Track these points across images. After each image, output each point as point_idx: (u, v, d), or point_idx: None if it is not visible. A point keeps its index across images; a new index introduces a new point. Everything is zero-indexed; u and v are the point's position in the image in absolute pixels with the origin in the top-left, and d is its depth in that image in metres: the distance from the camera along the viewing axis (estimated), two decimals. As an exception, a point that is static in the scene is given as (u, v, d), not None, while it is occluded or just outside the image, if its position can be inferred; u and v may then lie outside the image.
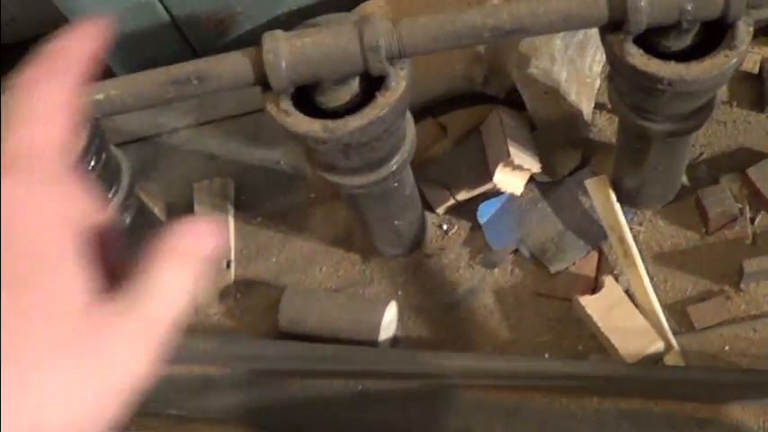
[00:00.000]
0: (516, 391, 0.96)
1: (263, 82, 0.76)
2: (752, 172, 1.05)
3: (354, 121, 0.75)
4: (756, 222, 1.05)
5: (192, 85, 0.77)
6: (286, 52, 0.74)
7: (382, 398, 0.99)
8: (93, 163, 0.85)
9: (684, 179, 1.06)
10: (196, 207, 1.16)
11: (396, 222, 1.00)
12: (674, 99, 0.80)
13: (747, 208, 1.05)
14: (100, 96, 0.78)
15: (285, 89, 0.76)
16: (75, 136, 0.60)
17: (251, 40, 1.29)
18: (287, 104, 0.77)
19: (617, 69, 0.81)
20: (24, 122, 0.60)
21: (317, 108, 0.79)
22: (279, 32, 0.75)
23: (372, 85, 0.78)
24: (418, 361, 0.99)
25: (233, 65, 0.76)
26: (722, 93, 1.09)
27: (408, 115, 0.85)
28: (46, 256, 0.51)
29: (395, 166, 0.87)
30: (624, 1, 0.72)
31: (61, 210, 0.52)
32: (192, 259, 0.52)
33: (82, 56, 0.56)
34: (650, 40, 0.76)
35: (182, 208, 1.18)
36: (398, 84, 0.76)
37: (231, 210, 1.16)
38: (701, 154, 1.09)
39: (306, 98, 0.79)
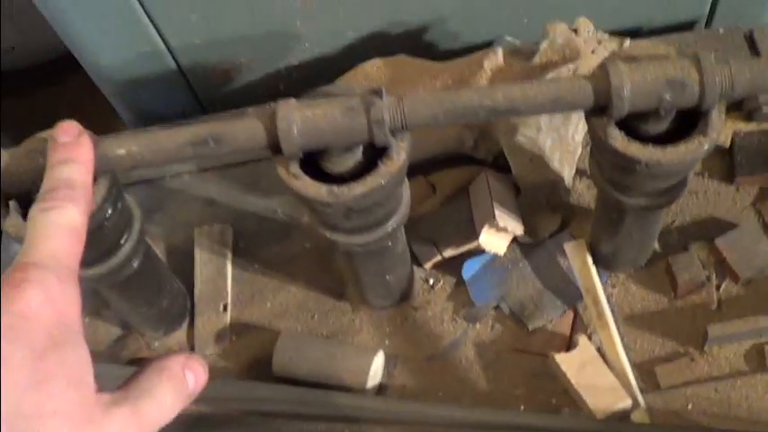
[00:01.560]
0: None
1: (274, 146, 0.82)
2: (719, 242, 1.11)
3: (358, 188, 0.81)
4: (722, 289, 1.09)
5: (209, 147, 0.83)
6: (298, 121, 0.79)
7: None
8: (110, 212, 0.89)
9: (656, 245, 1.11)
10: (196, 250, 1.20)
11: (387, 277, 1.05)
12: (650, 178, 0.86)
13: (714, 275, 1.10)
14: (122, 152, 0.83)
15: (295, 155, 0.82)
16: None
17: (251, 89, 1.36)
18: (296, 168, 0.83)
19: (599, 148, 0.87)
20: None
21: (321, 170, 0.85)
22: (293, 101, 0.81)
23: (375, 152, 0.84)
24: (403, 409, 1.03)
25: (248, 129, 0.81)
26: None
27: (405, 181, 0.91)
28: (69, 338, 0.60)
29: (390, 228, 0.92)
30: (608, 89, 0.78)
31: (76, 303, 0.62)
32: (186, 388, 0.64)
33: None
34: (630, 124, 0.82)
35: (181, 250, 1.22)
36: (399, 154, 0.82)
37: (229, 255, 1.20)
38: (673, 222, 1.14)
39: (310, 161, 0.85)
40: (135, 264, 1.00)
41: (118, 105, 1.44)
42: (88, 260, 0.96)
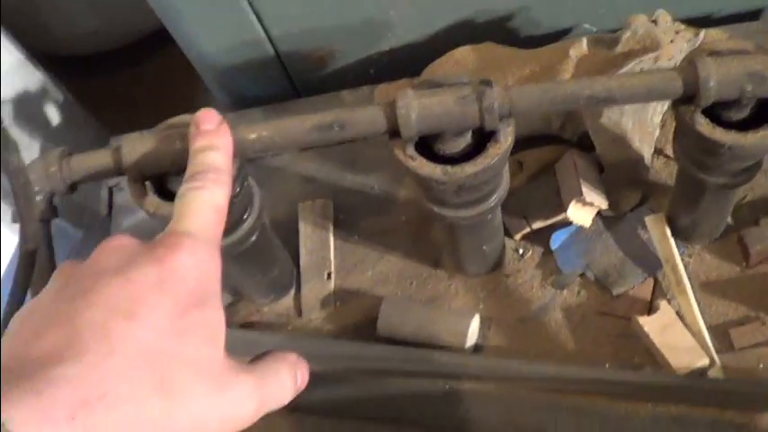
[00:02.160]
0: (583, 395, 1.09)
1: (393, 131, 0.91)
2: None
3: (469, 168, 0.91)
4: None
5: (334, 132, 0.92)
6: (416, 108, 0.89)
7: (467, 397, 1.11)
8: (238, 189, 0.99)
9: (729, 219, 1.19)
10: (300, 224, 1.30)
11: (483, 247, 1.14)
12: (731, 159, 0.95)
13: None
14: (253, 136, 0.93)
15: (412, 139, 0.91)
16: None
17: (344, 74, 1.45)
18: (411, 151, 0.92)
19: (684, 133, 0.96)
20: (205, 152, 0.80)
21: (433, 153, 0.94)
22: (410, 91, 0.91)
23: (482, 135, 0.93)
24: (500, 366, 1.12)
25: (370, 116, 0.91)
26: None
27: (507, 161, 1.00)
28: (210, 301, 0.70)
29: (493, 203, 1.01)
30: (696, 81, 0.87)
31: (217, 272, 0.72)
32: (297, 380, 0.72)
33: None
34: (714, 111, 0.92)
35: (285, 224, 1.31)
36: (506, 138, 0.92)
37: (331, 228, 1.30)
38: (745, 197, 1.22)
39: (422, 144, 0.94)
40: (254, 237, 1.09)
41: (216, 89, 1.53)
42: (217, 233, 1.06)
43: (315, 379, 1.15)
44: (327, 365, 1.16)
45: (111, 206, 1.45)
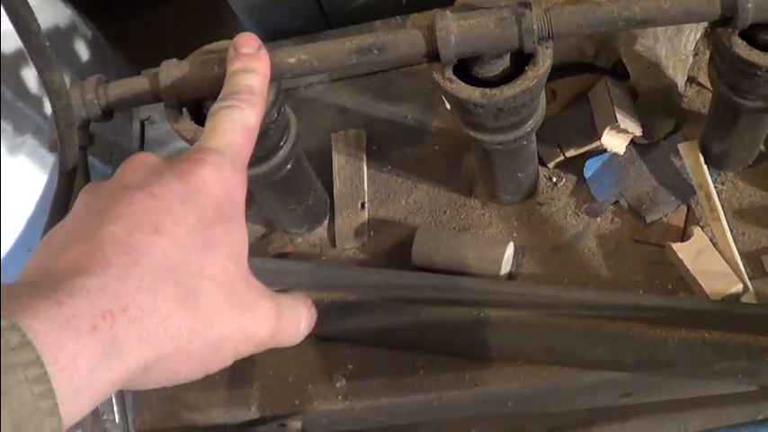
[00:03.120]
0: (617, 321, 1.10)
1: (432, 54, 0.92)
2: None
3: (508, 90, 0.91)
4: None
5: (373, 55, 0.93)
6: (455, 31, 0.89)
7: (501, 323, 1.12)
8: (275, 115, 0.99)
9: (762, 147, 1.18)
10: (334, 154, 1.31)
11: (518, 174, 1.14)
12: (767, 82, 0.95)
13: None
14: (292, 60, 0.94)
15: (451, 61, 0.92)
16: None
17: (375, 4, 1.44)
18: (450, 74, 0.93)
19: (721, 55, 0.96)
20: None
21: (471, 77, 0.95)
22: (449, 14, 0.91)
23: (520, 58, 0.93)
24: (534, 293, 1.13)
25: (409, 39, 0.91)
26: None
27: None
28: (234, 217, 0.71)
29: (529, 128, 1.02)
30: (734, 3, 0.87)
31: (243, 189, 0.73)
32: (309, 320, 0.74)
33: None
34: (751, 34, 0.92)
35: (318, 154, 1.31)
36: (545, 60, 0.92)
37: (364, 158, 1.30)
38: None
39: (460, 69, 0.95)
40: (289, 165, 1.10)
41: (247, 21, 1.53)
42: (252, 160, 1.06)
43: (349, 308, 1.19)
44: (361, 294, 1.18)
45: (143, 140, 1.46)
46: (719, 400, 1.01)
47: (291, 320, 0.71)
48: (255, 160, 1.05)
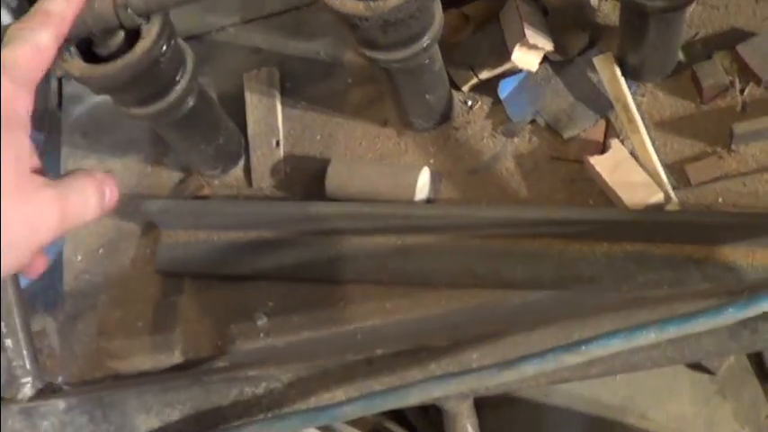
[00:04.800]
0: (537, 238, 1.08)
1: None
2: (741, 48, 1.14)
3: (393, 1, 0.89)
4: (746, 93, 1.13)
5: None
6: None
7: (419, 249, 1.11)
8: (164, 48, 0.97)
9: (681, 56, 1.16)
10: (246, 93, 1.27)
11: (427, 96, 1.12)
12: (668, -22, 0.92)
13: (737, 80, 1.14)
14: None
15: (334, -24, 0.89)
16: None
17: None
18: (336, -10, 0.90)
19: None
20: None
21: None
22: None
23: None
24: (450, 214, 1.11)
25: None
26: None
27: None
28: (14, 125, 0.72)
29: (426, 43, 0.99)
30: None
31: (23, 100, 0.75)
32: (105, 197, 0.78)
33: None
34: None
35: (232, 97, 1.29)
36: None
37: (278, 96, 1.27)
38: (696, 34, 1.18)
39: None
40: (191, 101, 1.08)
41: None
42: (148, 97, 1.04)
43: (266, 245, 1.17)
44: (278, 231, 1.16)
45: (60, 96, 1.43)
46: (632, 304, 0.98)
47: (78, 198, 0.75)
48: (151, 96, 1.04)
